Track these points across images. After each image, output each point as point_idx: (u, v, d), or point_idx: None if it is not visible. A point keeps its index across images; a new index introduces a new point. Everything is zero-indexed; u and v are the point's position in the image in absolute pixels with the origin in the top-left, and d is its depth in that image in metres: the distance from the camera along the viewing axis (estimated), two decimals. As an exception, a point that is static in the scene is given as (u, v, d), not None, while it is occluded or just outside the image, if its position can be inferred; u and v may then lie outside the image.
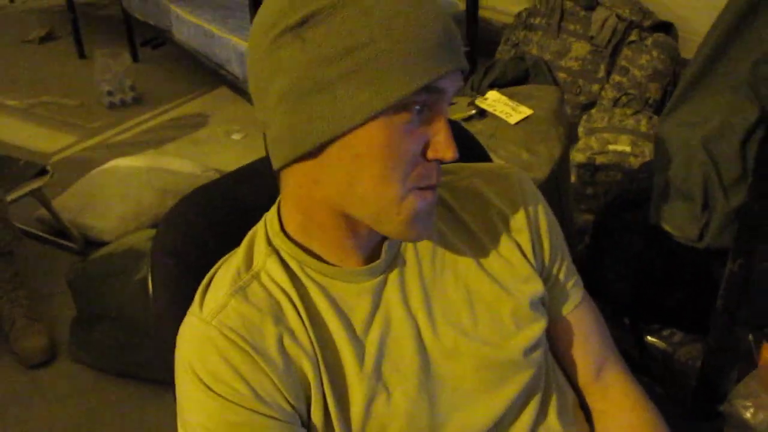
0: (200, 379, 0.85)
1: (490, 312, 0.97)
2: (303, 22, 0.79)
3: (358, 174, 0.82)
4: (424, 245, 0.97)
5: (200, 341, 0.87)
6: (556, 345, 1.09)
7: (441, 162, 0.84)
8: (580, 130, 2.99)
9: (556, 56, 3.28)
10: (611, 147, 2.83)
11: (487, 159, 1.24)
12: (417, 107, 0.80)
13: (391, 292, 0.94)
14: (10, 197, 2.46)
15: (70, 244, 2.81)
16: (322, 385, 0.88)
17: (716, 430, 1.33)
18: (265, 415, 0.85)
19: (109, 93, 3.99)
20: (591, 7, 3.27)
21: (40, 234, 2.89)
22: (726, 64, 1.38)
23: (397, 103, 0.78)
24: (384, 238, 0.93)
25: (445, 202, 1.00)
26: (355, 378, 0.89)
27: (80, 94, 4.16)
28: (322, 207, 0.88)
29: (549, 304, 1.05)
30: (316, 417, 0.88)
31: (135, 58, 4.56)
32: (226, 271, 0.93)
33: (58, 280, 2.49)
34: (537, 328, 1.00)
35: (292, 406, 0.87)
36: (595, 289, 1.81)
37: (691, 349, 1.77)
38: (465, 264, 0.98)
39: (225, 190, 1.15)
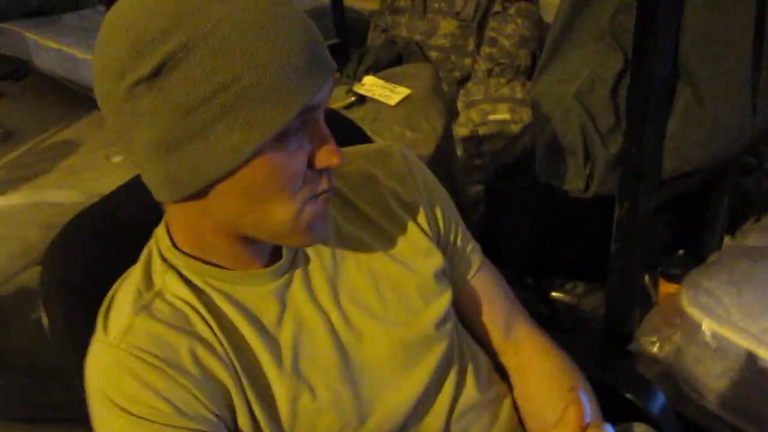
0: (117, 405, 0.82)
1: (397, 292, 0.98)
2: (156, 72, 0.74)
3: (248, 205, 0.81)
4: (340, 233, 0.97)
5: (110, 366, 0.84)
6: (463, 311, 1.10)
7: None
8: (459, 104, 3.05)
9: (426, 36, 3.32)
10: (491, 117, 2.89)
11: (370, 142, 1.25)
12: (294, 128, 0.78)
13: (298, 290, 0.93)
14: None
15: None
16: (244, 391, 0.87)
17: (627, 369, 1.39)
18: (190, 429, 0.83)
19: (-25, 133, 3.82)
20: (452, -16, 3.32)
21: None
22: (587, 17, 1.43)
23: (274, 135, 0.76)
24: None
25: (336, 191, 1.00)
26: (276, 379, 0.88)
27: (-56, 138, 3.96)
28: (213, 231, 0.86)
29: (451, 273, 1.06)
30: (243, 424, 0.87)
31: (-2, 93, 4.36)
32: (125, 292, 0.90)
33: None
34: (444, 300, 1.01)
35: (217, 416, 0.85)
36: (495, 255, 1.85)
37: (595, 298, 1.83)
38: (365, 249, 0.98)
39: (108, 212, 1.12)
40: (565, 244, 1.79)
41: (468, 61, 3.25)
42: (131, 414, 0.82)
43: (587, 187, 1.48)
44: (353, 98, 1.95)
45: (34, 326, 2.23)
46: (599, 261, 1.50)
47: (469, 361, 1.05)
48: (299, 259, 0.94)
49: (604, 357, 1.52)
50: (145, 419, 0.82)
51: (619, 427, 1.12)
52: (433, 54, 3.27)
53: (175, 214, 0.87)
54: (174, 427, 0.82)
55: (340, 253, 0.96)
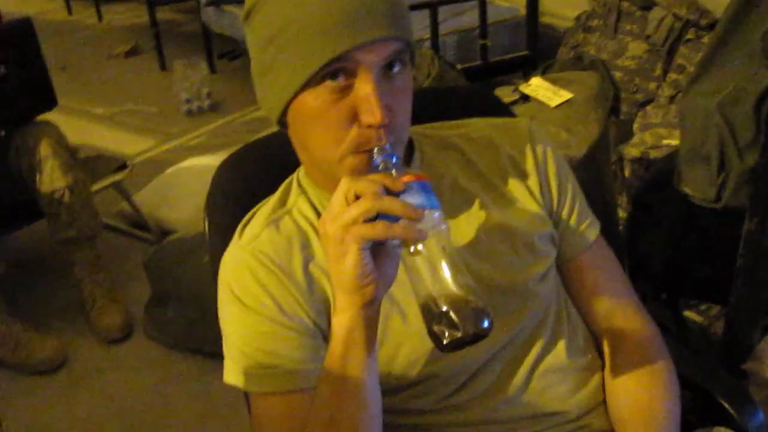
0: (235, 295, 0.99)
1: (499, 244, 1.07)
2: (248, 13, 0.95)
3: (306, 136, 0.98)
4: (442, 187, 1.07)
5: (236, 262, 1.02)
6: (570, 284, 1.15)
7: (380, 126, 0.90)
8: (635, 126, 3.04)
9: (613, 56, 3.34)
10: (665, 141, 2.87)
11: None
12: (338, 77, 0.90)
13: None
14: (94, 188, 2.67)
15: (148, 236, 3.01)
16: None
17: (731, 381, 1.39)
18: (287, 326, 0.98)
19: (187, 101, 4.23)
20: (647, 7, 3.32)
21: (121, 226, 3.11)
22: (740, 35, 1.45)
23: (314, 75, 0.90)
24: None
25: (459, 149, 1.12)
26: None
27: (161, 102, 4.43)
28: (311, 164, 1.04)
29: (560, 245, 1.13)
30: None
31: (212, 69, 4.79)
32: (264, 209, 1.08)
33: (136, 266, 2.69)
34: (544, 262, 1.09)
35: (314, 322, 0.99)
36: (635, 266, 1.87)
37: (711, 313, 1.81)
38: (476, 203, 1.08)
39: (280, 144, 1.28)
40: (701, 262, 1.79)
41: (653, 85, 3.24)
42: (242, 303, 0.99)
43: (718, 197, 1.49)
44: (517, 96, 2.05)
45: (206, 266, 2.50)
46: (722, 276, 1.50)
47: (566, 326, 1.12)
48: None
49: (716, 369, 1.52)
50: (252, 309, 0.98)
51: (703, 429, 1.15)
52: (618, 74, 3.28)
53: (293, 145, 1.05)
54: (274, 321, 0.98)
55: (450, 202, 1.07)
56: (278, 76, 0.93)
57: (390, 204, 0.82)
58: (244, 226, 1.07)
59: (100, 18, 6.29)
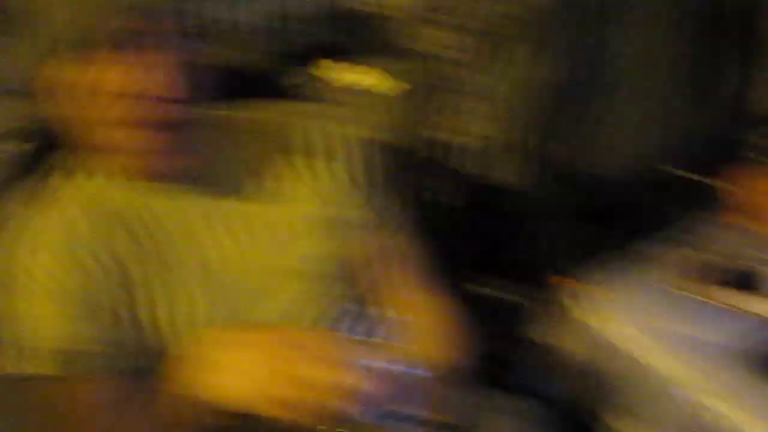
0: None
1: (272, 225, 1.08)
2: None
3: None
4: (216, 174, 1.07)
5: None
6: (361, 267, 1.17)
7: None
8: (439, 112, 3.09)
9: (429, 45, 3.38)
10: (468, 128, 2.94)
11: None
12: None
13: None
14: None
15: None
16: None
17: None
18: None
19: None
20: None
21: None
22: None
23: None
24: None
25: (244, 131, 1.12)
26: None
27: None
28: None
29: (350, 227, 1.14)
30: None
31: None
32: None
33: None
34: (321, 242, 1.10)
35: None
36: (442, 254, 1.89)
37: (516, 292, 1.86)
38: (270, 187, 1.09)
39: None
40: (507, 243, 1.84)
41: (462, 73, 3.29)
42: None
43: (526, 181, 1.55)
44: (314, 81, 2.04)
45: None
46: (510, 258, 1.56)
47: (347, 306, 1.12)
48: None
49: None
50: None
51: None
52: (431, 63, 3.31)
53: None
54: None
55: (243, 185, 1.07)
56: None
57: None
58: None
59: None
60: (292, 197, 1.10)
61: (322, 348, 0.80)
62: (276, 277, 1.07)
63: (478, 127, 2.78)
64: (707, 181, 1.57)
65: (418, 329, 1.13)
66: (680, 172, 1.59)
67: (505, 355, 1.51)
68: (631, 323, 1.39)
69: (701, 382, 1.24)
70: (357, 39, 2.86)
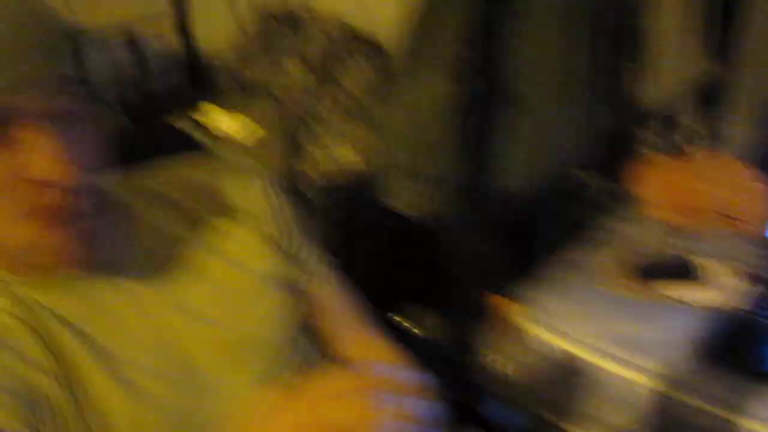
0: None
1: (222, 291, 0.99)
2: None
3: None
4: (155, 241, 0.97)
5: None
6: (309, 320, 1.12)
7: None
8: (308, 145, 3.06)
9: (272, 76, 3.33)
10: (343, 159, 2.92)
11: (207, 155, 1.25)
12: None
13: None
14: None
15: None
16: None
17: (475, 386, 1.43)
18: None
19: None
20: (296, 26, 3.36)
21: None
22: (431, 49, 1.49)
23: None
24: None
25: (167, 197, 1.02)
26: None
27: None
28: None
29: (292, 283, 1.07)
30: None
31: None
32: None
33: None
34: (275, 302, 1.03)
35: None
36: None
37: (435, 321, 1.85)
38: (193, 246, 0.99)
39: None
40: (413, 273, 1.82)
41: (317, 103, 3.27)
42: None
43: (429, 210, 1.52)
44: (198, 129, 1.94)
45: None
46: (436, 285, 1.53)
47: (305, 364, 1.05)
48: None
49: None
50: None
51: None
52: (282, 95, 3.26)
53: None
54: None
55: (167, 258, 0.97)
56: None
57: None
58: None
59: None
60: (226, 261, 1.01)
61: (356, 389, 0.73)
62: (238, 347, 0.98)
63: (365, 154, 2.78)
64: (614, 179, 1.61)
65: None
66: (589, 174, 1.62)
67: (463, 386, 1.47)
68: (573, 330, 1.39)
69: (654, 379, 1.25)
70: (209, 83, 2.78)
